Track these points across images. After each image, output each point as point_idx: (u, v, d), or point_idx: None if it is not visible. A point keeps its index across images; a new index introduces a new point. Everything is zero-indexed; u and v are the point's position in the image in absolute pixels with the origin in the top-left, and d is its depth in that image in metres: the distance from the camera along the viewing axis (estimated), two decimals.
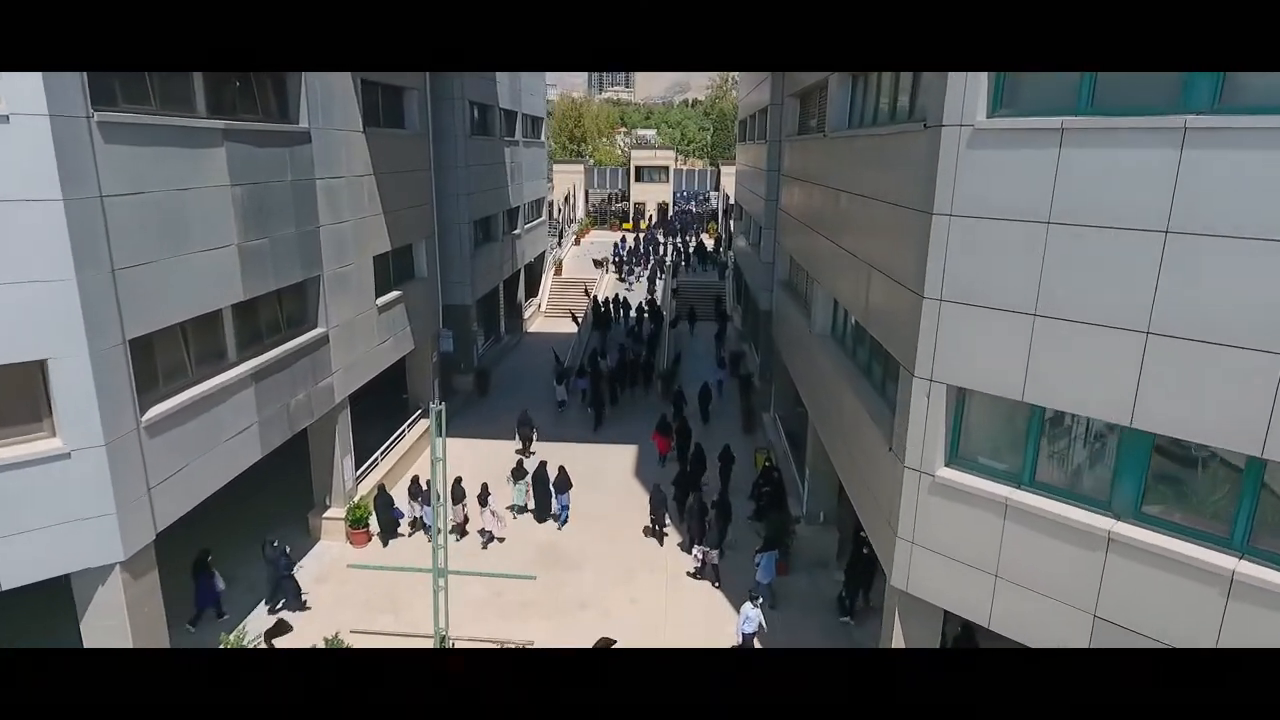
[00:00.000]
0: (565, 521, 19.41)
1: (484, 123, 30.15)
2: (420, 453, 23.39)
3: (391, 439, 21.95)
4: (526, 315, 39.01)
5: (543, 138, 41.28)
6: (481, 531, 18.51)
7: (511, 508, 19.61)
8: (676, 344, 33.90)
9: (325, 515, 18.14)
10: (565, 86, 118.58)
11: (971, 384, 9.32)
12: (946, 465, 9.84)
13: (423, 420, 24.07)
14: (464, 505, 18.55)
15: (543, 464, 19.96)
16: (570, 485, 19.54)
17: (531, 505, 19.76)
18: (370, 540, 18.19)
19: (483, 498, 18.21)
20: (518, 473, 19.92)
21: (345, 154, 17.37)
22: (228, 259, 13.12)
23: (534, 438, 23.92)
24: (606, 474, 22.36)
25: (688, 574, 17.22)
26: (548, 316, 41.69)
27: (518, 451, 23.43)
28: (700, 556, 16.88)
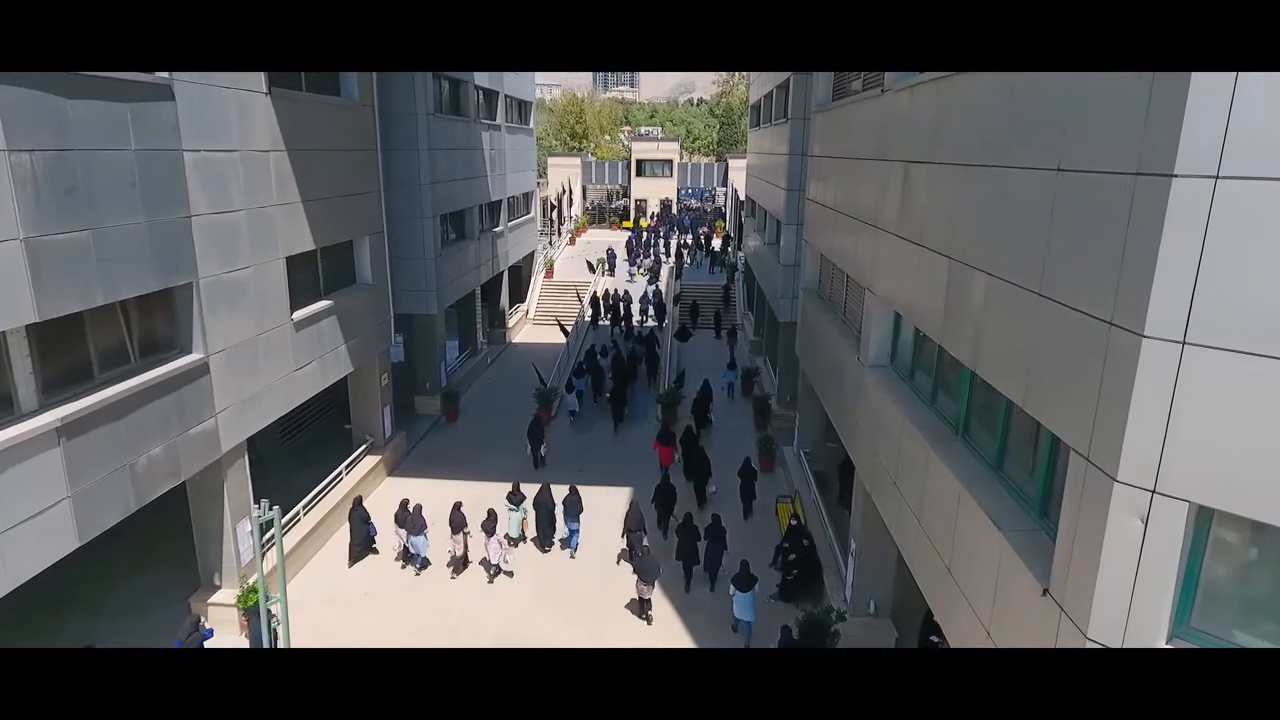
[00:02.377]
0: (575, 548, 16.88)
1: (455, 100, 25.76)
2: (366, 495, 19.01)
3: (321, 486, 17.50)
4: (511, 324, 34.58)
5: (531, 124, 36.86)
6: (484, 563, 15.90)
7: (507, 537, 16.53)
8: (680, 361, 29.41)
9: (212, 600, 13.70)
10: (569, 86, 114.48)
11: (1242, 507, 4.86)
12: (1173, 638, 5.38)
13: (370, 457, 19.73)
14: (466, 534, 15.88)
15: (546, 486, 17.08)
16: (582, 509, 16.87)
17: (531, 534, 17.13)
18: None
19: (489, 526, 15.64)
20: (514, 496, 16.89)
21: (236, 120, 12.96)
22: (3, 261, 8.73)
23: (544, 450, 21.25)
24: (590, 524, 17.93)
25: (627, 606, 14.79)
26: (536, 324, 37.24)
27: (534, 459, 21.02)
28: (643, 592, 14.32)
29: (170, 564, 15.00)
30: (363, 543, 16.39)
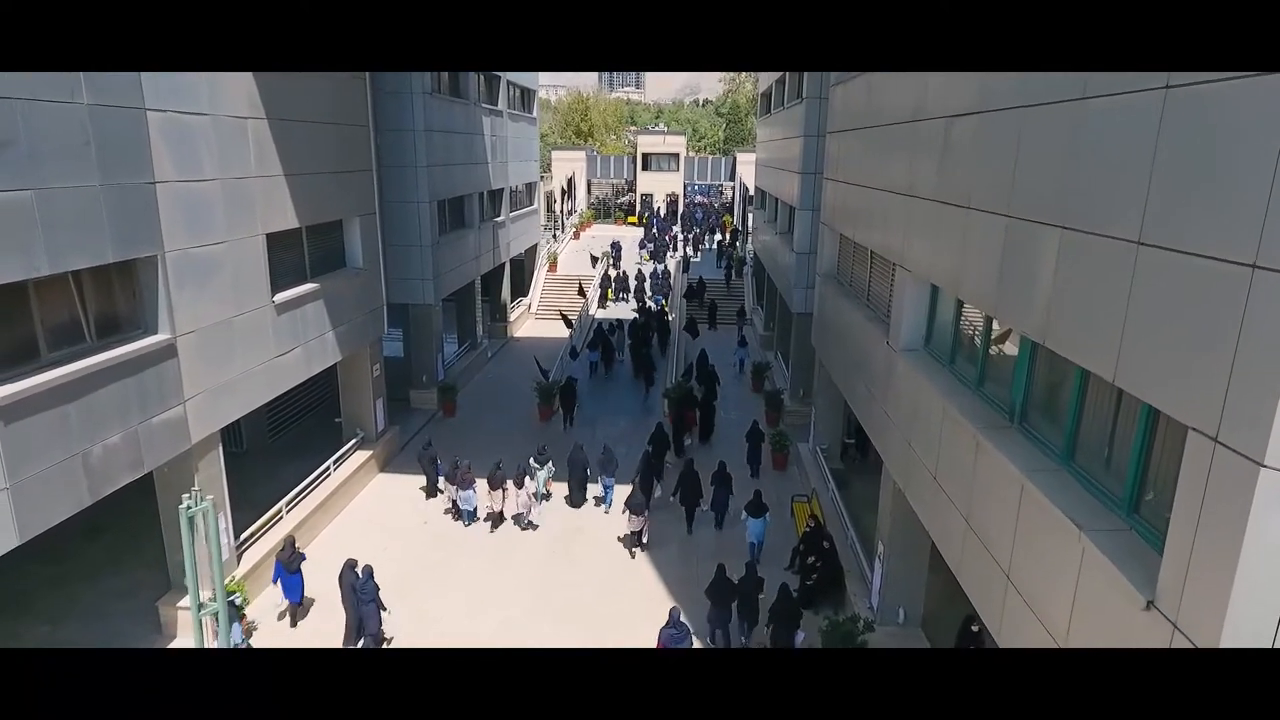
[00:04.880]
0: (610, 504, 17.57)
1: (454, 81, 24.68)
2: (355, 492, 17.97)
3: (306, 482, 16.40)
4: (513, 317, 33.50)
5: (534, 113, 35.78)
6: (516, 518, 16.76)
7: (534, 494, 17.11)
8: (687, 355, 28.33)
9: (182, 604, 12.61)
10: (575, 86, 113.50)
11: None
12: None
13: (361, 451, 18.65)
14: (504, 490, 16.56)
15: (578, 446, 17.96)
16: (616, 464, 17.72)
17: (561, 492, 17.91)
18: (248, 638, 12.65)
19: (520, 480, 16.51)
20: (540, 457, 17.53)
21: (208, 81, 11.89)
22: None
23: (576, 409, 22.82)
24: (588, 533, 16.86)
25: (619, 539, 16.25)
26: (539, 319, 36.15)
27: (565, 420, 22.63)
28: (633, 524, 15.66)
29: (149, 565, 13.91)
30: (432, 483, 17.76)
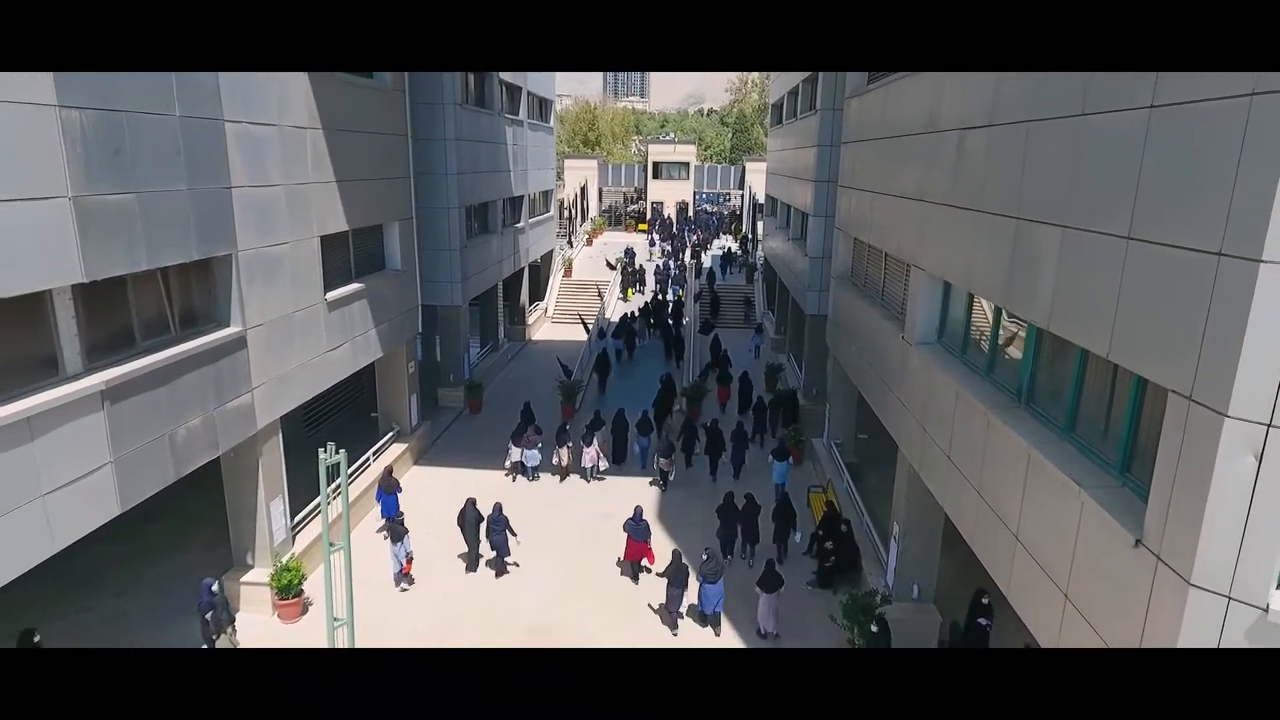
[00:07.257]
0: (645, 464, 20.17)
1: (480, 92, 25.72)
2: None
3: (349, 471, 17.29)
4: (530, 321, 34.48)
5: (551, 123, 36.85)
6: (583, 472, 19.56)
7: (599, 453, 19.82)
8: (700, 359, 29.30)
9: (245, 579, 13.54)
10: (581, 95, 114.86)
11: None
12: None
13: (397, 444, 19.59)
14: (569, 447, 19.63)
15: (620, 410, 20.84)
16: (652, 428, 20.78)
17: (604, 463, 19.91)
18: (304, 614, 13.59)
19: (588, 438, 19.43)
20: (595, 423, 20.15)
21: (276, 94, 12.89)
22: (53, 218, 8.63)
23: (610, 377, 26.58)
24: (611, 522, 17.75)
25: (651, 483, 19.54)
26: (555, 322, 37.11)
27: (600, 387, 26.38)
28: (662, 465, 19.06)
29: (205, 546, 14.90)
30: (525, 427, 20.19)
